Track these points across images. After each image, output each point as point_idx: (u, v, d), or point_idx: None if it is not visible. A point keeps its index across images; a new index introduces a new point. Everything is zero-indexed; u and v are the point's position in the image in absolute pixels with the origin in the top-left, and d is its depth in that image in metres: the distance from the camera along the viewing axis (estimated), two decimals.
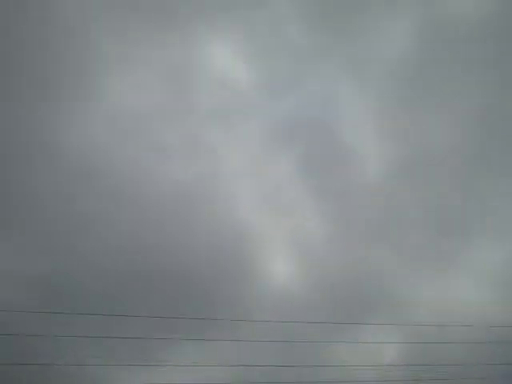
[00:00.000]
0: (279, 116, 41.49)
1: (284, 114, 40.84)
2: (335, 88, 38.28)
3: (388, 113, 37.91)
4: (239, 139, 44.07)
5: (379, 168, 39.50)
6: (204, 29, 38.81)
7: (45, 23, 35.09)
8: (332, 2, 38.52)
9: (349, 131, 39.73)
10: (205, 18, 38.83)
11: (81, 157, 37.86)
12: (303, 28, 40.64)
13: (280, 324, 27.05)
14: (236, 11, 39.91)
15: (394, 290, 36.48)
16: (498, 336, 26.49)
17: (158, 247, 36.46)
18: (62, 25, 35.71)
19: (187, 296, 34.99)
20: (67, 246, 35.48)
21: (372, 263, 36.96)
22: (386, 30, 39.39)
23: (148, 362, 24.64)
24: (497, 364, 25.16)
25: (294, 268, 40.98)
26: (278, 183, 44.17)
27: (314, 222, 41.48)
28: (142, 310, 28.65)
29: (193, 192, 43.51)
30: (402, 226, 39.26)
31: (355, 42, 40.69)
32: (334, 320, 30.67)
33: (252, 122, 43.55)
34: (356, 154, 40.59)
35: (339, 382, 24.43)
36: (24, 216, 36.76)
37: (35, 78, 35.19)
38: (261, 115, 42.28)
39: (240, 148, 44.81)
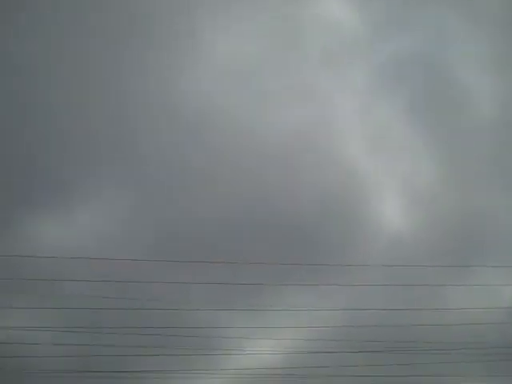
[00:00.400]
0: (387, 57, 40.49)
1: (392, 55, 39.80)
2: (445, 24, 36.76)
3: (504, 49, 35.93)
4: (347, 82, 43.49)
5: (494, 108, 37.75)
6: None
7: None
8: None
9: (461, 70, 38.08)
10: None
11: (196, 113, 39.00)
12: None
13: (392, 268, 27.11)
14: None
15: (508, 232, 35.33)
16: None
17: (267, 195, 37.23)
18: None
19: (298, 242, 35.70)
20: (179, 200, 37.15)
21: (487, 205, 35.83)
22: None
23: (260, 307, 25.62)
24: None
25: (406, 211, 40.51)
26: (388, 125, 43.39)
27: (426, 164, 40.54)
28: (252, 257, 29.63)
29: (301, 138, 43.73)
30: None
31: None
32: (448, 263, 30.25)
33: (359, 63, 42.77)
34: (469, 94, 38.94)
35: (456, 325, 24.28)
36: (143, 172, 38.77)
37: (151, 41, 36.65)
38: (368, 56, 41.46)
39: (348, 91, 44.30)
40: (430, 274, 27.61)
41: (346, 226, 38.74)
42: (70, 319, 23.89)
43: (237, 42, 40.89)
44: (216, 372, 26.00)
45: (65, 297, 23.51)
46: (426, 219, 38.74)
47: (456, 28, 38.45)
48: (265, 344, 26.13)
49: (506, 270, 27.13)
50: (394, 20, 39.75)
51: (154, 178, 39.99)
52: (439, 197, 39.32)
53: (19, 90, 35.41)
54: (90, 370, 21.75)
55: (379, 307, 25.66)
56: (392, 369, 23.99)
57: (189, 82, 39.47)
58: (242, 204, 37.34)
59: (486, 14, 37.73)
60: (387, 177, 42.50)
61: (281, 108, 41.66)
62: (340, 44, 42.18)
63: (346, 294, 29.19)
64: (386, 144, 42.57)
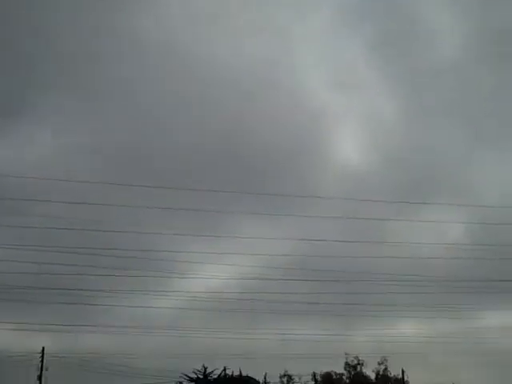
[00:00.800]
0: None
1: None
2: None
3: None
4: (310, 19, 43.10)
5: (456, 48, 37.92)
6: None
7: None
8: None
9: (425, 7, 37.97)
10: None
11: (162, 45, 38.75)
12: None
13: (347, 201, 27.74)
14: None
15: (462, 171, 36.24)
16: None
17: (237, 126, 37.44)
18: None
19: (258, 173, 36.20)
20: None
21: (443, 144, 36.59)
22: None
23: (218, 234, 26.26)
24: None
25: (365, 148, 41.15)
26: (350, 62, 43.39)
27: (386, 101, 40.91)
28: (215, 184, 30.02)
29: (262, 72, 43.66)
30: (474, 104, 38.13)
31: None
32: (402, 199, 31.06)
33: (323, 0, 42.30)
34: (432, 33, 38.96)
35: (400, 258, 25.02)
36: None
37: None
38: None
39: (311, 27, 43.92)
40: (383, 208, 28.42)
41: (306, 160, 39.34)
42: (28, 238, 24.23)
43: None
44: (170, 294, 26.82)
45: (23, 215, 23.76)
46: (384, 156, 39.48)
47: None
48: (217, 269, 26.94)
49: (456, 208, 28.00)
50: None
51: (110, 96, 39.80)
52: (397, 134, 39.97)
53: None
54: (48, 287, 22.30)
55: (332, 239, 26.49)
56: (339, 297, 24.96)
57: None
58: (208, 132, 37.52)
59: None
60: (347, 113, 42.88)
61: (245, 41, 41.39)
62: None
63: (299, 226, 30.01)
64: (346, 81, 42.72)
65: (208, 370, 25.20)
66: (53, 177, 24.95)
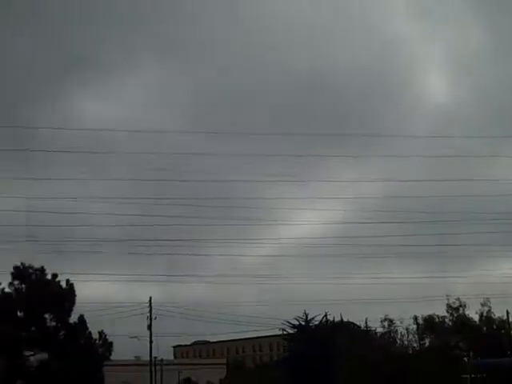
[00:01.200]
0: None
1: None
2: None
3: None
4: None
5: None
6: None
7: None
8: None
9: None
10: None
11: None
12: None
13: (437, 139, 26.76)
14: None
15: None
16: None
17: (313, 66, 36.54)
18: None
19: (339, 114, 35.34)
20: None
21: None
22: None
23: (303, 178, 25.87)
24: None
25: (451, 82, 39.33)
26: None
27: (474, 31, 38.73)
28: (297, 127, 29.60)
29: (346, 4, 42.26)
30: None
31: None
32: (493, 135, 29.61)
33: None
34: None
35: (494, 196, 23.95)
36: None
37: None
38: None
39: None
40: (474, 144, 27.19)
41: (389, 97, 38.04)
42: (123, 191, 24.60)
43: None
44: (270, 241, 26.86)
45: (116, 168, 24.12)
46: (471, 90, 37.66)
47: None
48: (314, 215, 26.67)
49: None
50: None
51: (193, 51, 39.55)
52: (487, 67, 37.88)
53: None
54: (151, 239, 22.76)
55: (422, 178, 25.66)
56: (435, 239, 24.26)
57: None
58: (285, 72, 36.78)
59: None
60: (431, 44, 40.95)
61: None
62: None
63: (387, 166, 29.17)
64: (431, 8, 40.58)
65: (309, 317, 25.25)
66: (151, 129, 25.22)
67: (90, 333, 17.02)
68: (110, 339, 17.58)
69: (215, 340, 50.63)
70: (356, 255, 25.41)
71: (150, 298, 24.03)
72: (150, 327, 23.43)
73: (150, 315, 23.65)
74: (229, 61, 38.30)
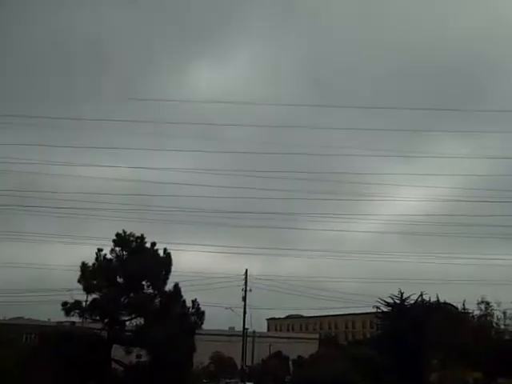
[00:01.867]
0: None
1: None
2: None
3: None
4: None
5: None
6: None
7: None
8: None
9: None
10: None
11: None
12: None
13: None
14: None
15: None
16: None
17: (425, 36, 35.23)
18: None
19: (461, 89, 33.98)
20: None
21: None
22: None
23: (410, 153, 25.37)
24: None
25: None
26: None
27: None
28: (408, 102, 28.71)
29: None
30: None
31: None
32: None
33: None
34: None
35: None
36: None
37: None
38: None
39: None
40: None
41: (504, 69, 36.10)
42: (226, 162, 24.89)
43: None
44: (368, 217, 26.64)
45: (223, 140, 24.42)
46: None
47: None
48: (415, 192, 25.96)
49: None
50: None
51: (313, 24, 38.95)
52: None
53: None
54: (251, 212, 23.01)
55: None
56: None
57: None
58: (400, 47, 35.70)
59: None
60: None
61: None
62: None
63: (503, 143, 27.88)
64: None
65: (404, 296, 24.79)
66: (252, 101, 25.37)
67: (184, 301, 17.47)
68: (203, 309, 18.02)
69: (309, 315, 50.85)
70: (457, 234, 24.68)
71: (246, 270, 24.41)
72: (244, 299, 23.83)
73: (246, 287, 24.02)
74: (344, 35, 37.76)
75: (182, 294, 17.34)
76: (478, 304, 25.99)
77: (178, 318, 16.55)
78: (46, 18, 42.11)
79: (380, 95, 32.51)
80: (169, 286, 16.95)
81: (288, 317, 56.69)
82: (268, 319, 51.49)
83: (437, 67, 35.87)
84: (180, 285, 17.16)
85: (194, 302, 17.69)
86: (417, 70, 35.83)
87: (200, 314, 17.60)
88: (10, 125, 21.96)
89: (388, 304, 24.87)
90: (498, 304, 25.71)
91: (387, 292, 24.61)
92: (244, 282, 23.83)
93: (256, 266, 28.12)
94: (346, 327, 54.73)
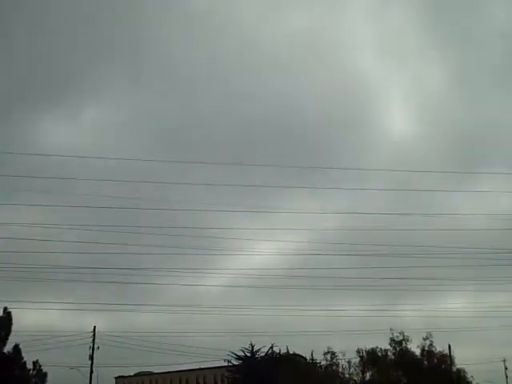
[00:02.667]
0: None
1: None
2: None
3: None
4: None
5: (506, 11, 36.61)
6: None
7: None
8: None
9: None
10: None
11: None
12: None
13: (395, 173, 27.21)
14: None
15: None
16: None
17: (268, 98, 36.88)
18: None
19: (301, 146, 35.68)
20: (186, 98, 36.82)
21: (492, 111, 35.66)
22: None
23: (264, 208, 25.96)
24: None
25: (412, 118, 40.27)
26: (397, 30, 42.30)
27: (434, 71, 39.89)
28: (256, 160, 29.77)
29: (313, 42, 42.88)
30: None
31: None
32: (451, 170, 30.42)
33: None
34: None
35: (451, 230, 24.45)
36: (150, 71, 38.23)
37: None
38: None
39: None
40: (432, 179, 27.78)
41: (351, 131, 38.69)
42: (77, 217, 24.14)
43: None
44: (218, 271, 26.64)
45: (72, 195, 23.63)
46: (429, 127, 38.64)
47: None
48: (265, 246, 26.62)
49: (508, 177, 27.17)
50: None
51: (162, 76, 39.45)
52: (446, 105, 39.00)
53: None
54: (99, 267, 22.24)
55: (380, 212, 25.98)
56: (390, 272, 24.52)
57: None
58: (246, 102, 37.01)
59: None
60: (393, 82, 41.98)
61: (283, 9, 40.57)
62: None
63: (348, 199, 29.44)
64: (393, 49, 41.71)
65: (255, 348, 25.02)
66: (98, 155, 24.90)
67: (24, 363, 16.43)
68: (46, 370, 17.03)
69: (160, 371, 49.56)
70: (306, 287, 25.39)
71: (94, 327, 23.53)
72: (91, 357, 22.86)
73: (93, 344, 23.10)
74: (197, 89, 38.40)
75: (24, 354, 16.31)
76: (325, 354, 26.99)
77: (17, 380, 15.49)
78: None
79: (237, 151, 33.27)
80: (8, 347, 15.88)
81: (137, 374, 54.92)
82: (116, 377, 49.50)
83: (288, 127, 37.46)
84: (22, 345, 16.14)
85: (35, 363, 16.69)
86: (269, 131, 37.15)
87: (42, 376, 16.61)
88: None
89: (239, 357, 24.94)
90: (343, 354, 26.83)
91: (240, 345, 24.74)
92: (92, 339, 22.93)
93: (105, 323, 27.05)
94: (198, 382, 53.98)
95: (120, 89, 38.12)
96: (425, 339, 27.37)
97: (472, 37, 37.60)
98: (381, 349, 27.79)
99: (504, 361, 28.37)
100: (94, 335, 23.38)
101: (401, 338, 27.42)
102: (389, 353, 27.80)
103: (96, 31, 39.15)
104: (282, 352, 25.60)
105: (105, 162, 24.32)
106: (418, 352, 27.71)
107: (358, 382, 26.87)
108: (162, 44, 38.91)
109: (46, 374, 16.50)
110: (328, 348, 26.83)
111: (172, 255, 23.52)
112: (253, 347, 25.28)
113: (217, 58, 38.70)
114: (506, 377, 28.77)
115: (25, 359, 16.66)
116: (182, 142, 35.40)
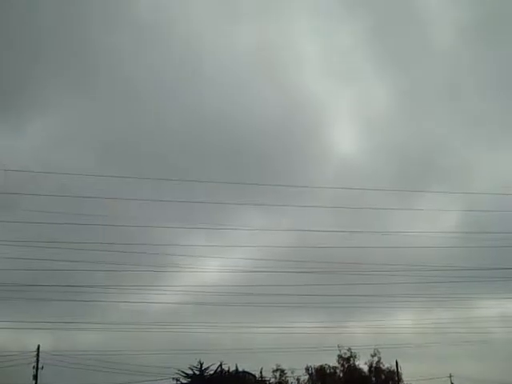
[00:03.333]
0: None
1: None
2: None
3: None
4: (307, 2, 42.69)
5: (452, 34, 37.76)
6: None
7: None
8: None
9: None
10: None
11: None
12: None
13: (342, 191, 27.49)
14: None
15: (456, 160, 36.30)
16: None
17: (226, 116, 37.01)
18: None
19: (251, 164, 35.82)
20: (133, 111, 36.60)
21: (438, 130, 36.59)
22: None
23: (212, 225, 25.92)
24: None
25: (356, 137, 40.95)
26: (344, 49, 43.08)
27: (379, 90, 40.69)
28: (207, 177, 29.67)
29: (259, 60, 43.21)
30: (470, 94, 38.12)
31: None
32: (396, 187, 30.93)
33: None
34: (427, 19, 38.78)
35: (396, 248, 24.82)
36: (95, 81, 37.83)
37: None
38: None
39: (307, 11, 43.49)
40: (376, 197, 28.24)
41: (297, 150, 39.10)
42: (22, 233, 23.60)
43: None
44: (165, 288, 26.35)
45: (19, 211, 23.10)
46: (376, 146, 39.35)
47: None
48: (214, 263, 26.56)
49: (453, 195, 27.84)
50: None
51: (107, 88, 39.17)
52: (390, 124, 39.81)
53: None
54: (42, 284, 21.73)
55: (327, 229, 26.19)
56: (333, 289, 24.71)
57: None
58: (194, 116, 37.05)
59: None
60: (341, 101, 42.61)
61: (234, 24, 40.86)
62: None
63: (297, 215, 29.66)
64: (339, 68, 42.41)
65: (204, 366, 24.81)
66: (47, 170, 24.40)
67: None
68: None
69: None
70: (254, 304, 25.29)
71: (38, 346, 23.09)
72: (35, 377, 22.42)
73: (37, 364, 22.65)
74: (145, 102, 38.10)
75: None
76: (274, 372, 26.94)
77: None
78: None
79: (186, 167, 33.13)
80: None
81: None
82: None
83: (237, 142, 37.57)
84: None
85: None
86: (217, 145, 37.15)
87: None
88: None
89: (187, 375, 24.68)
90: (292, 371, 26.83)
91: (187, 363, 24.49)
92: (36, 359, 22.43)
93: (51, 342, 26.39)
94: None
95: (67, 102, 37.43)
96: (373, 356, 27.60)
97: (417, 55, 38.60)
98: (329, 366, 27.93)
99: (450, 376, 28.84)
100: (37, 354, 22.88)
101: (348, 354, 27.66)
102: (337, 370, 27.96)
103: (43, 42, 38.39)
104: (231, 370, 25.48)
105: (50, 177, 23.79)
106: (366, 369, 27.97)
107: None
108: (111, 56, 38.47)
109: None
110: (277, 365, 26.84)
111: (118, 272, 23.16)
112: (201, 365, 25.04)
113: (163, 72, 38.53)
114: None
115: None
116: (129, 156, 34.86)
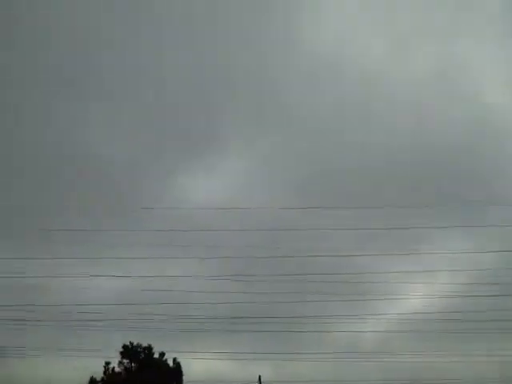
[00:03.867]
0: None
1: None
2: None
3: None
4: None
5: None
6: None
7: None
8: None
9: None
10: None
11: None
12: None
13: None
14: None
15: None
16: None
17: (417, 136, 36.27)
18: None
19: (452, 184, 34.54)
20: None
21: None
22: None
23: (414, 251, 25.30)
24: None
25: None
26: None
27: None
28: (403, 201, 29.22)
29: (441, 78, 42.23)
30: None
31: None
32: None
33: None
34: None
35: None
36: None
37: None
38: None
39: None
40: None
41: (498, 162, 37.01)
42: (221, 268, 25.02)
43: None
44: (373, 317, 26.12)
45: (217, 246, 24.54)
46: None
47: None
48: (420, 288, 25.86)
49: None
50: None
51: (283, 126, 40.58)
52: None
53: None
54: (243, 316, 22.70)
55: None
56: None
57: None
58: (386, 148, 36.84)
59: None
60: None
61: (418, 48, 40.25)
62: None
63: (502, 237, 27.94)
64: None
65: None
66: (239, 205, 25.60)
67: None
68: None
69: None
70: (468, 331, 24.19)
71: (260, 376, 23.89)
72: None
73: None
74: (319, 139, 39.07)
75: None
76: None
77: None
78: None
79: (376, 194, 33.05)
80: None
81: None
82: None
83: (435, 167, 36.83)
84: None
85: None
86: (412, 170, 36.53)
87: None
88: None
89: None
90: None
91: None
92: None
93: (268, 372, 27.32)
94: None
95: (245, 137, 39.47)
96: None
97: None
98: None
99: None
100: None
101: None
102: None
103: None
104: None
105: (239, 213, 25.05)
106: None
107: None
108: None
109: None
110: None
111: (328, 302, 23.46)
112: None
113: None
114: None
115: None
116: (310, 190, 35.63)
